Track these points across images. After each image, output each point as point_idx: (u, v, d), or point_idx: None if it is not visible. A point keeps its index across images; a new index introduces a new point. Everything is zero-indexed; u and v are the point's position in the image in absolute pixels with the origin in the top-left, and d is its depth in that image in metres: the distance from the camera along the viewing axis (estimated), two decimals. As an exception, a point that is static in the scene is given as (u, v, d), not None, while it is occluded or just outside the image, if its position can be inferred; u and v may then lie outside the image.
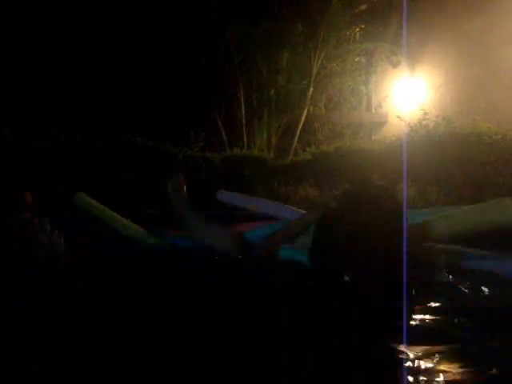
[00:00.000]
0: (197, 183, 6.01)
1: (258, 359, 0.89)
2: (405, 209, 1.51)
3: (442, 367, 0.82)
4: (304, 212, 2.33)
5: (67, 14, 8.25)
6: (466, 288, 1.39)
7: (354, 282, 1.37)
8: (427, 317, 1.15)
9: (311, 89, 8.25)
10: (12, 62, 8.05)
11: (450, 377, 0.78)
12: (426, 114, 5.31)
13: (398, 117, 5.81)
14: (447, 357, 0.87)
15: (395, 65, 8.43)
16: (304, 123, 8.25)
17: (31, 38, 8.15)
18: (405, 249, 1.32)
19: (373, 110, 9.10)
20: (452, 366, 0.83)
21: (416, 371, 0.81)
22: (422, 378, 0.79)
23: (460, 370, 0.82)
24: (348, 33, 8.49)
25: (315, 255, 1.51)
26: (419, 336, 1.00)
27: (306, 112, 8.27)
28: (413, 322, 1.08)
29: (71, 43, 8.19)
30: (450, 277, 1.51)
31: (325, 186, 5.81)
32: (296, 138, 8.12)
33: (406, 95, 8.14)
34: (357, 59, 8.85)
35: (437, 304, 1.25)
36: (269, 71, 8.43)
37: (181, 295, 1.39)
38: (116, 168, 6.23)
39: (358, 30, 8.56)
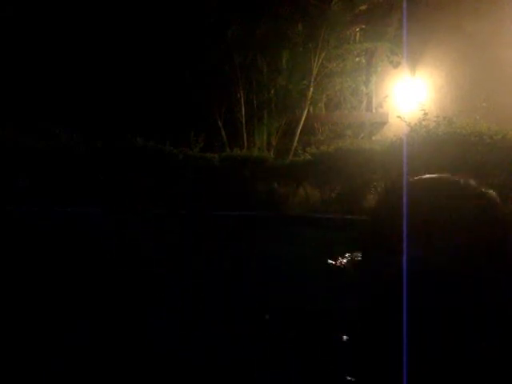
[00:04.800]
0: (197, 183, 6.04)
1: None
2: (405, 209, 1.49)
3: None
4: None
5: (70, 19, 8.27)
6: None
7: None
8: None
9: (311, 89, 8.25)
10: (15, 63, 8.07)
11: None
12: (426, 114, 5.29)
13: (399, 117, 5.79)
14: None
15: (395, 65, 8.42)
16: (304, 123, 8.24)
17: (35, 42, 8.17)
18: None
19: (373, 110, 9.10)
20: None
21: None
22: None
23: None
24: (348, 33, 8.48)
25: None
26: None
27: (306, 112, 8.26)
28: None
29: (75, 45, 8.21)
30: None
31: (325, 187, 5.81)
32: (296, 138, 8.11)
33: (407, 95, 8.13)
34: (357, 59, 8.85)
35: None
36: (269, 71, 8.43)
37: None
38: (117, 168, 6.23)
39: (358, 30, 8.55)
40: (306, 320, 1.29)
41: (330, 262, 2.08)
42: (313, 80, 8.21)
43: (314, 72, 8.18)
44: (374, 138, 8.16)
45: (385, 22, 8.24)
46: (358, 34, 8.59)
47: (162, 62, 8.05)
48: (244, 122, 8.31)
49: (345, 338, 1.08)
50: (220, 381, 0.88)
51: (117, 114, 7.84)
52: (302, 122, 8.19)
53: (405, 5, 6.82)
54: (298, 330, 1.18)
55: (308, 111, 8.39)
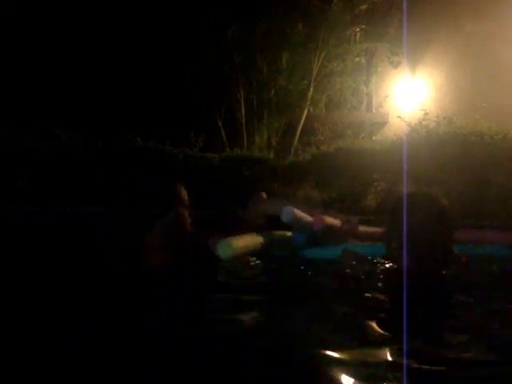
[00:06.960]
0: (197, 183, 6.03)
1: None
2: (405, 210, 1.50)
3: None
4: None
5: (70, 19, 8.28)
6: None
7: None
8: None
9: (311, 89, 8.24)
10: (16, 63, 8.08)
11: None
12: (426, 114, 5.29)
13: (399, 117, 5.79)
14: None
15: (396, 65, 8.42)
16: (304, 123, 8.24)
17: (35, 42, 8.18)
18: None
19: (373, 110, 9.09)
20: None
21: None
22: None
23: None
24: (348, 33, 8.48)
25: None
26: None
27: (306, 112, 8.26)
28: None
29: (75, 44, 8.22)
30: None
31: (325, 187, 5.80)
32: (296, 139, 8.11)
33: (407, 95, 8.13)
34: (357, 59, 8.84)
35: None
36: (269, 71, 8.42)
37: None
38: (117, 168, 6.23)
39: (358, 30, 8.54)
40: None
41: None
42: (313, 80, 8.21)
43: (314, 72, 8.18)
44: (374, 137, 8.15)
45: (385, 22, 8.24)
46: (358, 34, 8.58)
47: (162, 62, 8.05)
48: (244, 122, 8.31)
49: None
50: (220, 381, 0.87)
51: (117, 113, 7.84)
52: (302, 122, 8.19)
53: (405, 5, 6.82)
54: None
55: (308, 111, 8.38)
